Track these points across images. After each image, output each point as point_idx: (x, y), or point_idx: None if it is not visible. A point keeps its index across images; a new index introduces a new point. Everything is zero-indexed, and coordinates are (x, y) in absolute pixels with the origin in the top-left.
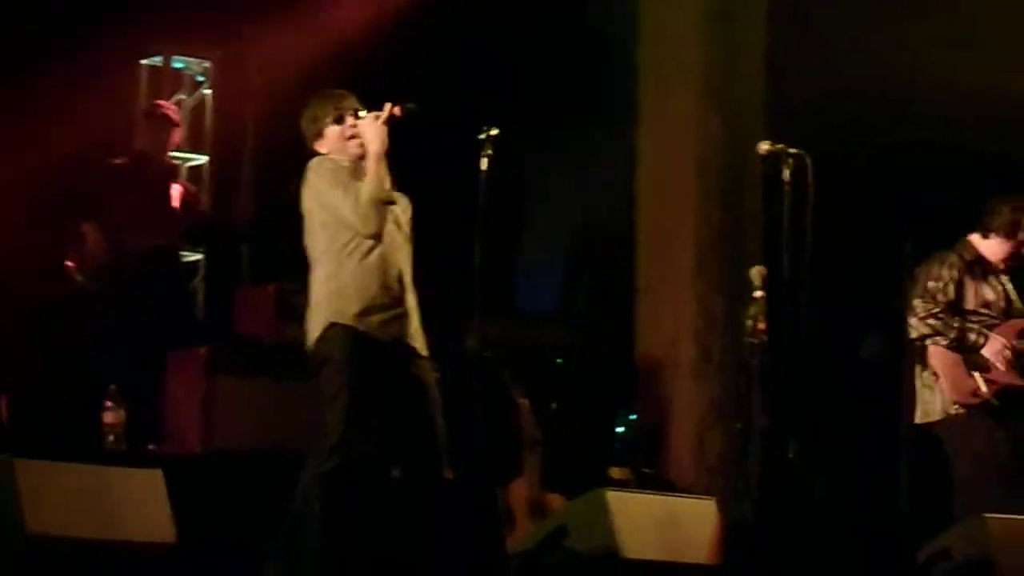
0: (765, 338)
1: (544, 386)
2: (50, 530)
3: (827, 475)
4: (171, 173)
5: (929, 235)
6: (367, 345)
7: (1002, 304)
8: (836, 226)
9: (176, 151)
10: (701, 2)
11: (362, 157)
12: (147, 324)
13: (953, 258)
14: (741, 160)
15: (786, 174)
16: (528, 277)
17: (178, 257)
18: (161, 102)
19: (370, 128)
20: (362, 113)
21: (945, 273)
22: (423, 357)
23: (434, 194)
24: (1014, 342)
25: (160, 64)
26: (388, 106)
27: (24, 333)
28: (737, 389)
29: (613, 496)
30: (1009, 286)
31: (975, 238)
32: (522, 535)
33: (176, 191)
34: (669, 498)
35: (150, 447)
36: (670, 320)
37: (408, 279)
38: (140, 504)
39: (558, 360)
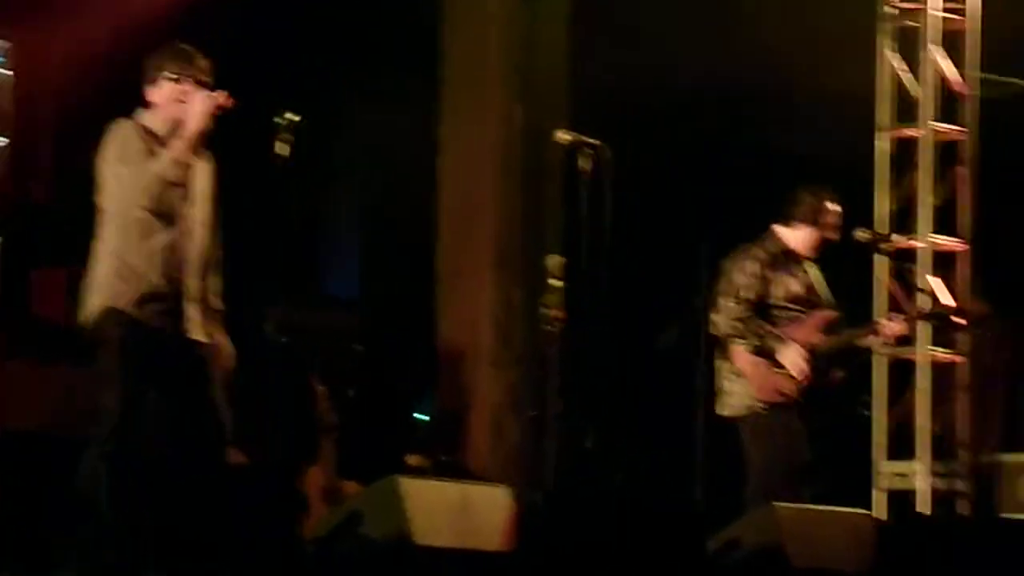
0: (563, 327)
1: (342, 372)
2: None
3: (622, 463)
4: None
5: (729, 227)
6: (144, 332)
7: (808, 296)
8: (635, 216)
9: None
10: None
11: (177, 125)
12: None
13: (759, 251)
14: (542, 149)
15: (585, 163)
16: (329, 263)
17: None
18: None
19: (197, 106)
20: (205, 78)
21: (750, 267)
22: (203, 344)
23: (233, 178)
24: (816, 338)
25: None
26: (223, 94)
27: None
28: (535, 378)
29: (406, 483)
30: (816, 275)
31: (780, 229)
32: (316, 521)
33: None
34: (463, 485)
35: None
36: (470, 308)
37: (200, 266)
38: None
39: (357, 346)
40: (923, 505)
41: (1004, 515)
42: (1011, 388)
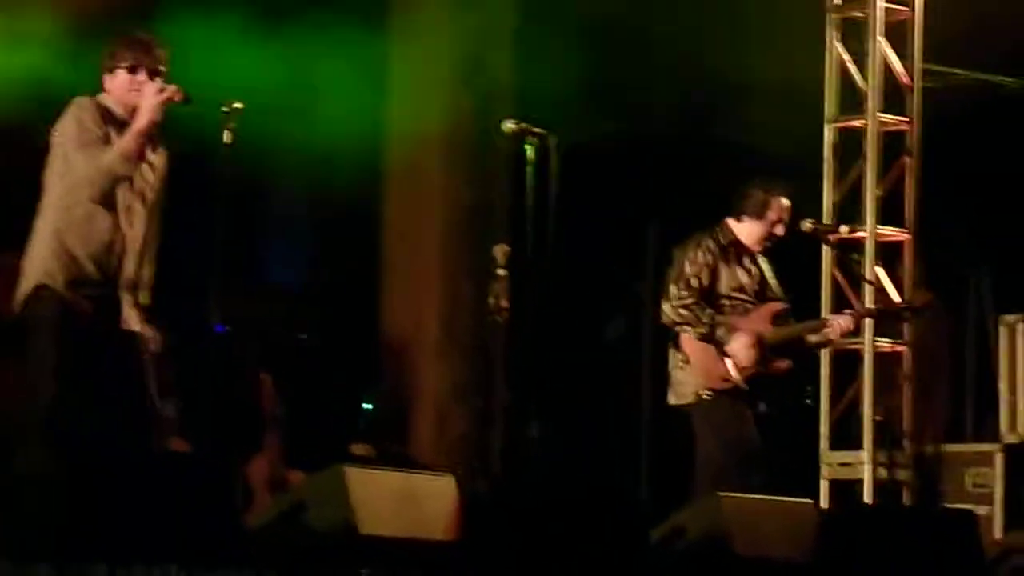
0: (507, 316)
1: (288, 362)
2: None
3: (568, 453)
4: None
5: (675, 217)
6: (74, 315)
7: (756, 287)
8: (582, 205)
9: None
10: None
11: (132, 114)
12: None
13: (709, 242)
14: (489, 139)
15: (530, 153)
16: (274, 251)
17: None
18: None
19: (148, 100)
20: (163, 68)
21: (700, 257)
22: (135, 333)
23: (177, 165)
24: (765, 329)
25: None
26: (175, 88)
27: None
28: (480, 367)
29: (351, 472)
30: (767, 269)
31: (731, 222)
32: (261, 511)
33: None
34: (408, 474)
35: None
36: (415, 298)
37: (137, 257)
38: None
39: (301, 336)
40: (867, 495)
41: (948, 505)
42: (955, 378)
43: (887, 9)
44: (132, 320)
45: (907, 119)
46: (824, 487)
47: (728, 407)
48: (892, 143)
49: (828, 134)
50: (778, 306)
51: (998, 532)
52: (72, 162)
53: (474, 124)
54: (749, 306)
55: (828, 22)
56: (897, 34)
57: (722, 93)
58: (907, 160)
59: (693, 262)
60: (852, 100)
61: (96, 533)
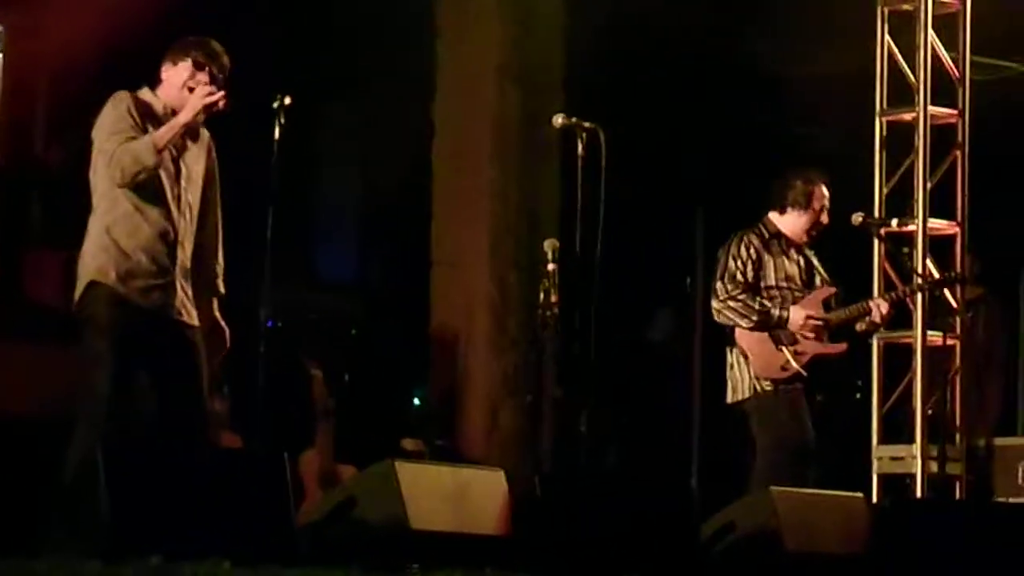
0: (558, 311)
1: (338, 356)
2: None
3: (618, 448)
4: None
5: (727, 213)
6: (131, 311)
7: (804, 277)
8: (631, 200)
9: None
10: None
11: (180, 106)
12: None
13: (752, 236)
14: (538, 133)
15: (580, 147)
16: (325, 246)
17: None
18: None
19: (195, 99)
20: (220, 73)
21: (744, 252)
22: (192, 326)
23: (228, 161)
24: (817, 314)
25: None
26: (222, 94)
27: None
28: (531, 362)
29: (402, 467)
30: (814, 260)
31: (773, 215)
32: (312, 505)
33: None
34: (459, 469)
35: None
36: (465, 292)
37: (192, 248)
38: None
39: (353, 331)
40: (919, 489)
41: (999, 499)
42: (1007, 372)
43: (936, 2)
44: (190, 313)
45: (957, 112)
46: (875, 481)
47: (784, 402)
48: (942, 136)
49: (878, 127)
50: (829, 291)
51: None
52: (104, 152)
53: (523, 118)
54: (798, 294)
55: (878, 15)
56: (946, 27)
57: (772, 86)
58: (957, 153)
59: (737, 257)
60: (902, 93)
61: (148, 528)
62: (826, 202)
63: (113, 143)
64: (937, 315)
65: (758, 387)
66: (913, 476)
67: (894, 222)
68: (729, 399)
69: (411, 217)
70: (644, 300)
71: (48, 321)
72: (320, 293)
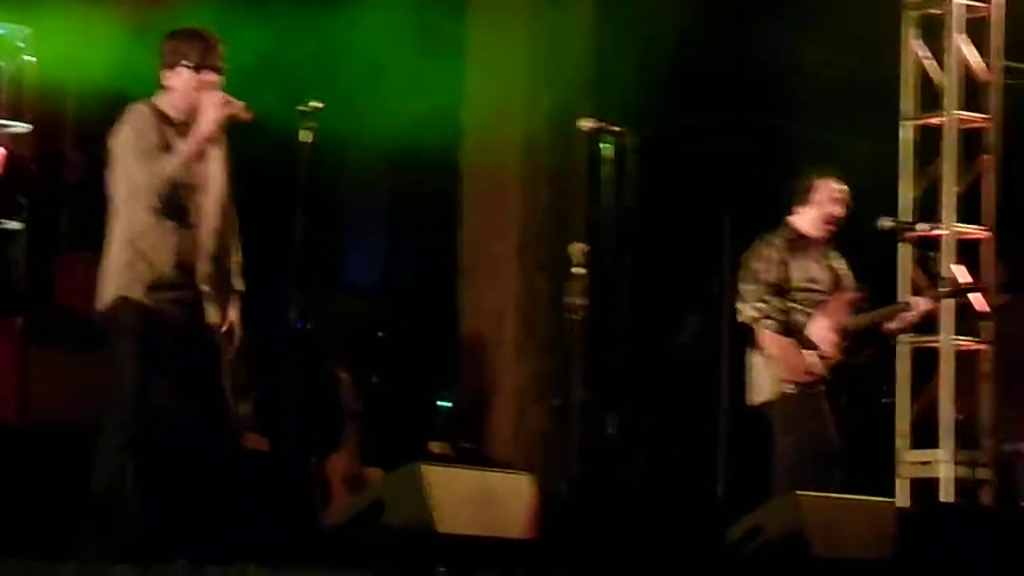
0: (585, 315)
1: (366, 359)
2: None
3: (645, 452)
4: None
5: (754, 216)
6: (157, 322)
7: (830, 280)
8: (659, 204)
9: None
10: None
11: (190, 113)
12: None
13: (774, 239)
14: (566, 136)
15: (609, 151)
16: (353, 249)
17: None
18: None
19: (211, 110)
20: (221, 70)
21: (767, 253)
22: (216, 329)
23: (255, 164)
24: (843, 317)
25: None
26: (242, 106)
27: None
28: (558, 365)
29: (429, 470)
30: (839, 263)
31: (792, 217)
32: (339, 508)
33: None
34: (485, 473)
35: None
36: (493, 296)
37: (213, 250)
38: None
39: (380, 333)
40: (946, 494)
41: None
42: None
43: (965, 6)
44: (215, 315)
45: (986, 116)
46: (902, 486)
47: (807, 404)
48: (971, 140)
49: (906, 131)
50: (854, 294)
51: None
52: (131, 172)
53: (551, 122)
54: (824, 297)
55: (905, 19)
56: (975, 31)
57: (801, 90)
58: (986, 157)
59: (761, 259)
60: (930, 97)
61: (175, 532)
62: (834, 194)
63: (141, 168)
64: (965, 320)
65: (782, 389)
66: (940, 481)
67: (921, 226)
68: (750, 400)
69: (440, 220)
70: (671, 304)
71: (79, 326)
72: (348, 296)
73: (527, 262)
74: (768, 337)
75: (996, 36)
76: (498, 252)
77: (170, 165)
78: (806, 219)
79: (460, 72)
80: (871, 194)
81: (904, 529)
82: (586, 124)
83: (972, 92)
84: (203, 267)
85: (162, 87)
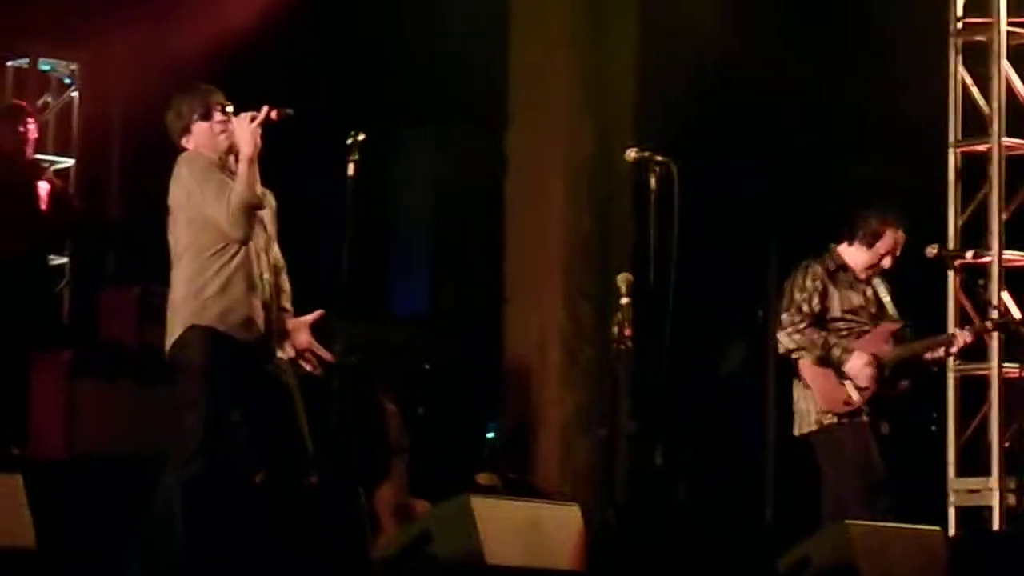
0: (631, 344)
1: (412, 391)
2: None
3: (692, 481)
4: (35, 172)
5: (797, 245)
6: (228, 347)
7: (872, 309)
8: (703, 234)
9: (42, 154)
10: (574, 7)
11: (230, 152)
12: (9, 328)
13: (817, 267)
14: (610, 166)
15: (653, 181)
16: (399, 280)
17: (43, 260)
18: (18, 101)
19: (244, 130)
20: (229, 108)
21: (809, 283)
22: (285, 360)
23: (302, 197)
24: (883, 349)
25: (27, 65)
26: (265, 109)
27: None
28: (604, 395)
29: (477, 501)
30: (883, 291)
31: (841, 246)
32: (387, 540)
33: (44, 189)
34: (534, 504)
35: (13, 451)
36: (538, 326)
37: (273, 280)
38: None
39: (426, 365)
40: (996, 522)
41: None
42: None
43: (1010, 32)
44: (280, 345)
45: None
46: (952, 514)
47: (851, 434)
48: (1017, 166)
49: (952, 158)
50: (895, 326)
51: None
52: (200, 203)
53: (595, 151)
54: (865, 328)
55: (951, 46)
56: (1021, 57)
57: (844, 117)
58: None
59: (802, 288)
60: (976, 124)
61: (224, 564)
62: (896, 248)
63: (210, 199)
64: (1014, 347)
65: (824, 420)
66: (990, 509)
67: (968, 253)
68: (796, 431)
69: (484, 251)
70: (717, 333)
71: (124, 360)
72: (394, 327)
73: (571, 292)
74: (807, 369)
75: None
76: (542, 282)
77: (236, 194)
78: (856, 256)
79: (505, 103)
80: (909, 230)
81: (954, 558)
82: (631, 153)
83: (1018, 118)
84: (263, 293)
85: (184, 148)
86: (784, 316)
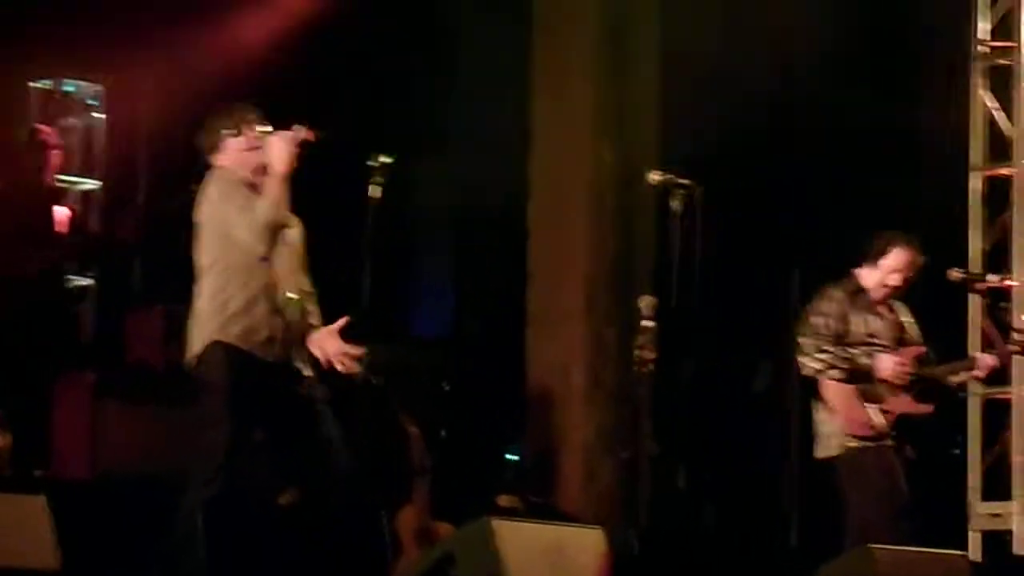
0: (654, 368)
1: (434, 413)
2: None
3: (716, 504)
4: (54, 196)
5: (820, 268)
6: (250, 366)
7: (893, 333)
8: (726, 256)
9: (66, 175)
10: (594, 31)
11: (262, 170)
12: (33, 348)
13: (836, 292)
14: (633, 189)
15: (676, 204)
16: (421, 303)
17: (63, 281)
18: (39, 126)
19: (277, 148)
20: (261, 127)
21: (827, 307)
22: (310, 377)
23: (324, 218)
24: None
25: (51, 87)
26: (302, 130)
27: None
28: (626, 418)
29: (500, 524)
30: (905, 315)
31: (858, 270)
32: (409, 562)
33: (62, 214)
34: (556, 527)
35: (36, 472)
36: (561, 348)
37: (297, 298)
38: (22, 530)
39: (447, 387)
40: (1019, 546)
41: None
42: None
43: None
44: (304, 362)
45: None
46: (974, 539)
47: (874, 457)
48: None
49: (974, 182)
50: (917, 349)
51: None
52: (226, 219)
53: (618, 175)
54: (887, 351)
55: (974, 70)
56: None
57: (869, 141)
58: None
59: (821, 313)
60: (1000, 148)
61: None
62: (904, 268)
63: (235, 216)
64: None
65: (847, 443)
66: (1012, 533)
67: (991, 277)
68: (818, 454)
69: (507, 273)
70: (739, 357)
71: (149, 381)
72: (416, 349)
73: (594, 314)
74: (831, 388)
75: None
76: (565, 304)
77: (262, 210)
78: (868, 277)
79: (527, 126)
80: (921, 249)
81: None
82: (654, 177)
83: None
84: (290, 313)
85: (214, 167)
86: (803, 340)
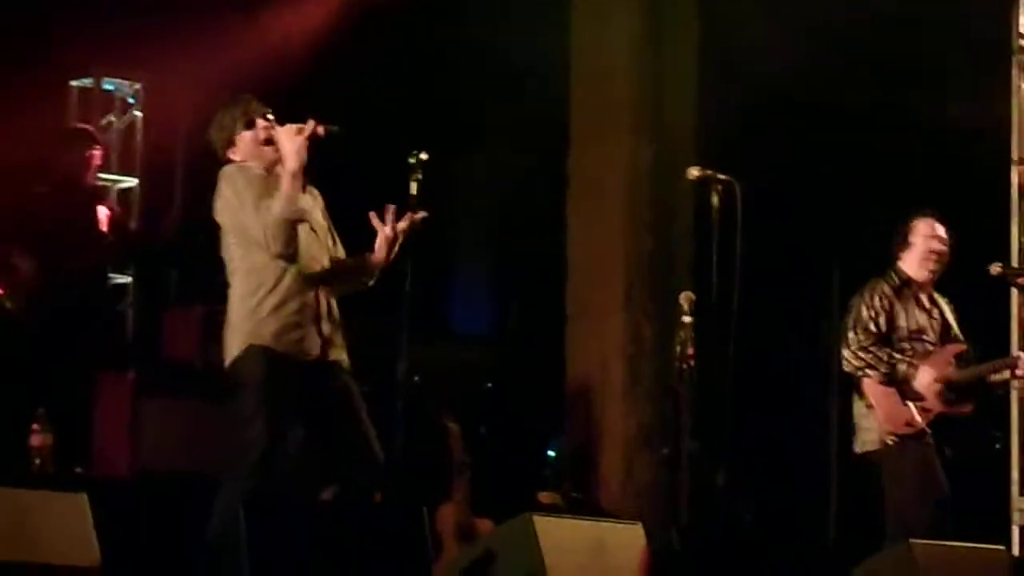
0: (693, 363)
1: (474, 410)
2: None
3: (755, 501)
4: (96, 195)
5: (860, 262)
6: (286, 365)
7: (938, 328)
8: (766, 252)
9: (105, 173)
10: (632, 30)
11: (277, 163)
12: (74, 347)
13: (883, 286)
14: (671, 186)
15: (715, 200)
16: (461, 299)
17: (105, 280)
18: (80, 124)
19: (289, 142)
20: (271, 116)
21: (876, 302)
22: (347, 371)
23: (363, 216)
24: (948, 370)
25: (90, 85)
26: (312, 123)
27: None
28: (666, 414)
29: (541, 520)
30: (948, 311)
31: (899, 262)
32: (450, 560)
33: (103, 213)
34: (597, 523)
35: (77, 470)
36: (600, 344)
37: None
38: (63, 527)
39: (488, 384)
40: None
41: None
42: None
43: None
44: (339, 352)
45: None
46: (1016, 533)
47: (915, 453)
48: None
49: (1015, 176)
50: (960, 347)
51: None
52: (240, 221)
53: (657, 171)
54: (930, 348)
55: (1015, 64)
56: None
57: (909, 136)
58: None
59: (869, 307)
60: None
61: None
62: (934, 232)
63: (249, 216)
64: None
65: (886, 439)
66: None
67: None
68: (858, 449)
69: (546, 269)
70: (780, 351)
71: (188, 379)
72: (456, 347)
73: (633, 310)
74: (871, 387)
75: None
76: (604, 301)
77: (277, 206)
78: (909, 262)
79: (566, 122)
80: (981, 240)
81: None
82: (693, 172)
83: None
84: (322, 307)
85: (229, 159)
86: (850, 334)
